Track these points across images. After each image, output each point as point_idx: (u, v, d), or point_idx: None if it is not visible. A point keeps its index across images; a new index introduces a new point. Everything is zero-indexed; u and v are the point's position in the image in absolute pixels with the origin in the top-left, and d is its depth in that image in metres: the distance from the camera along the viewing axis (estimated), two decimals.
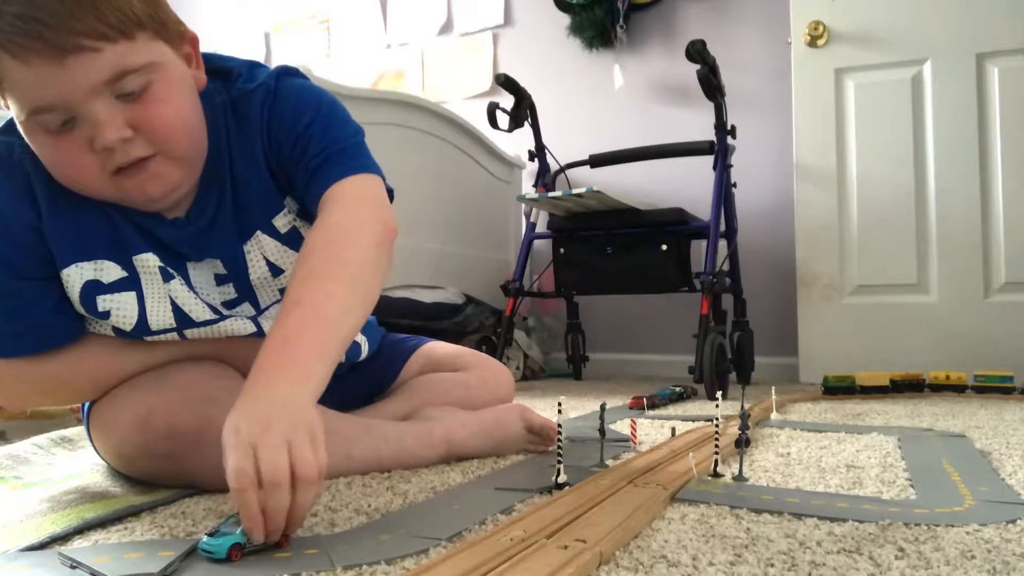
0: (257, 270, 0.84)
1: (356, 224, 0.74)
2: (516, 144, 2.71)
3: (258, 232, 0.82)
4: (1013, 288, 2.08)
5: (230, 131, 0.80)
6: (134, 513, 0.70)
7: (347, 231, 0.73)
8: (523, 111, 2.25)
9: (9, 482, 0.85)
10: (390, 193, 0.84)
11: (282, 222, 0.83)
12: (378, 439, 0.88)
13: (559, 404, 0.82)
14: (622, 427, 1.25)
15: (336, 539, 0.60)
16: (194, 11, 3.59)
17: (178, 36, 0.73)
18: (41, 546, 0.60)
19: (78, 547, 0.60)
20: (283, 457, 0.56)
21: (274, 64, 0.85)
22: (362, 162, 0.80)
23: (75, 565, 0.53)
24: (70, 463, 0.95)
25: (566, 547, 0.53)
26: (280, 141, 0.79)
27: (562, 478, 0.77)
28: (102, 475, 0.85)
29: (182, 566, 0.53)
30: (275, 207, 0.82)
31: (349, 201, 0.76)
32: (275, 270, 0.84)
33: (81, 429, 1.06)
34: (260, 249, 0.83)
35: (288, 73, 0.83)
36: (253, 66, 0.83)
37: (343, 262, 0.71)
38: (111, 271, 0.78)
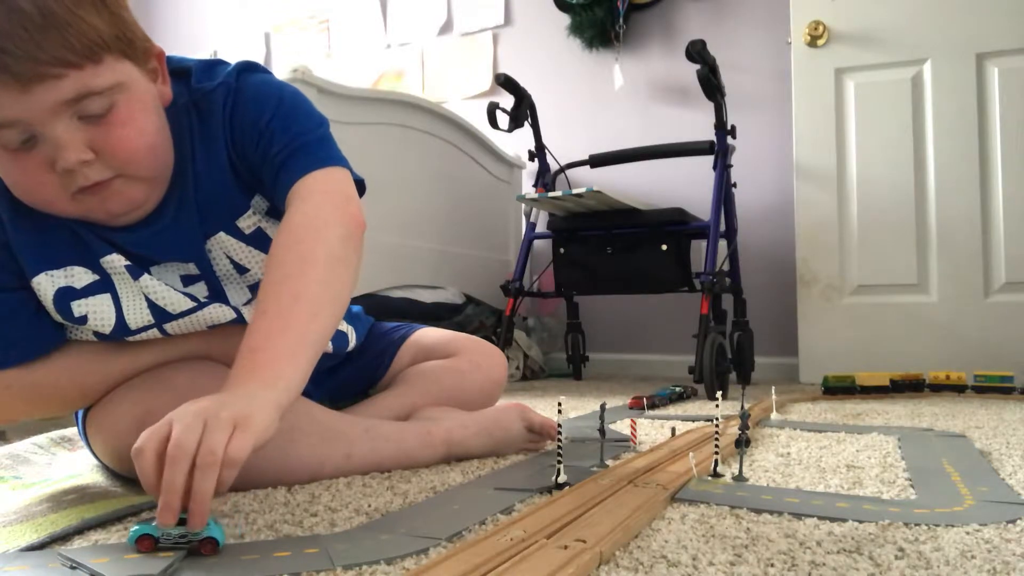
0: (221, 268, 0.83)
1: (321, 221, 0.73)
2: (516, 144, 2.71)
3: (221, 232, 0.81)
4: (1013, 288, 2.08)
5: (193, 132, 0.78)
6: (134, 513, 0.70)
7: (312, 229, 0.72)
8: (523, 111, 2.25)
9: (9, 482, 0.85)
10: (360, 184, 0.82)
11: (246, 223, 0.82)
12: (378, 439, 0.88)
13: (559, 404, 0.82)
14: (622, 427, 1.25)
15: (336, 539, 0.60)
16: (194, 11, 3.59)
17: (144, 53, 0.71)
18: (41, 546, 0.60)
19: (78, 547, 0.60)
20: (188, 436, 0.55)
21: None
22: (326, 155, 0.79)
23: (75, 565, 0.53)
24: (70, 463, 0.95)
25: (566, 547, 0.53)
26: (244, 139, 0.78)
27: (562, 478, 0.77)
28: (102, 475, 0.85)
29: (182, 566, 0.53)
30: (239, 208, 0.81)
31: (314, 197, 0.75)
32: (240, 268, 0.84)
33: None
34: (223, 248, 0.82)
35: (248, 69, 0.81)
36: (212, 64, 0.81)
37: (310, 261, 0.70)
38: (81, 276, 0.77)
